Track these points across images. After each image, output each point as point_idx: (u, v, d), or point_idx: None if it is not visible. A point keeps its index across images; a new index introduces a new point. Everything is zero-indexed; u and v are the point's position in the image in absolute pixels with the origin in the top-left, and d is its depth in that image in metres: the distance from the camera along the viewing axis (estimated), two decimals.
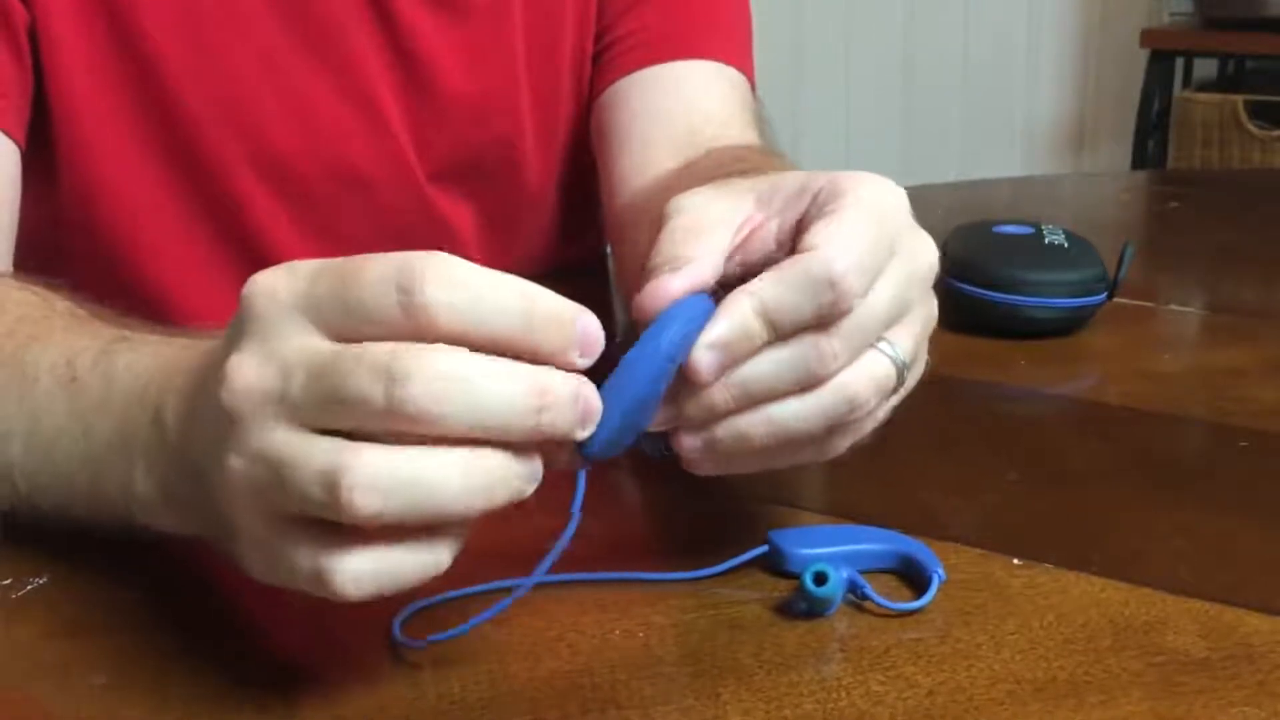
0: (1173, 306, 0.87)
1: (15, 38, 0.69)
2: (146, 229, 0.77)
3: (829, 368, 0.44)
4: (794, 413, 0.44)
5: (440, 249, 0.38)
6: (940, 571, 0.48)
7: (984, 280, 0.77)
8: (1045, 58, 3.00)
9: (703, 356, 0.43)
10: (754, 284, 0.43)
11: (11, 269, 0.68)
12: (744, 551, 0.49)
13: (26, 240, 0.71)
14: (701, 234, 0.46)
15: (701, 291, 0.44)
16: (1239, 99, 2.49)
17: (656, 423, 0.44)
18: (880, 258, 0.44)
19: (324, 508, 0.37)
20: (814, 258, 0.43)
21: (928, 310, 0.48)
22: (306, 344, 0.38)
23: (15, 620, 0.48)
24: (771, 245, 0.47)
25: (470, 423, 0.37)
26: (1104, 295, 0.78)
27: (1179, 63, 2.69)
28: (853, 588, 0.48)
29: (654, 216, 0.58)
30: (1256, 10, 2.49)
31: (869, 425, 0.47)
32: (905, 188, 0.47)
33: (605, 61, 0.85)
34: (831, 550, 0.49)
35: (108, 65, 0.72)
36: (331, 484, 0.37)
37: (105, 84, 0.73)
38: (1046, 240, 0.80)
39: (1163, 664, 0.45)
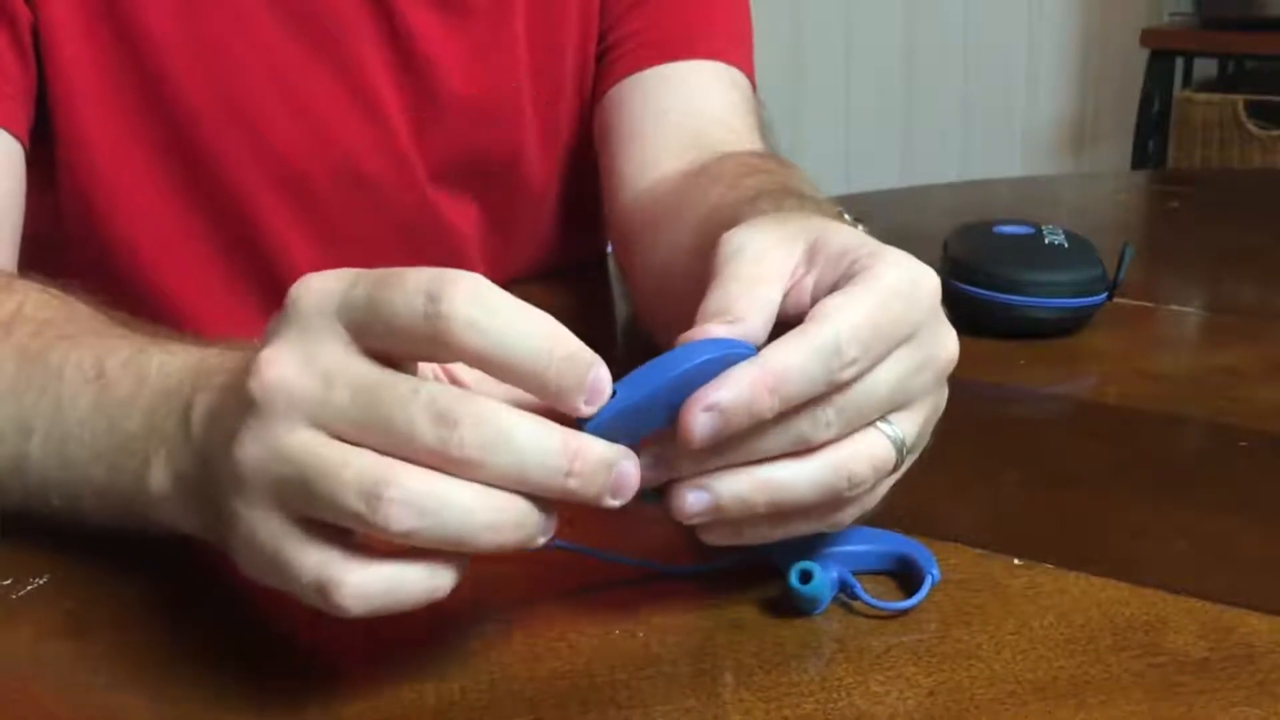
0: (1173, 306, 0.87)
1: (18, 37, 0.69)
2: (148, 229, 0.77)
3: (819, 434, 0.43)
4: (789, 476, 0.43)
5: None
6: (935, 572, 0.48)
7: (984, 280, 0.77)
8: (1045, 58, 3.00)
9: (699, 419, 0.41)
10: (765, 353, 0.42)
11: (16, 270, 0.68)
12: (744, 551, 0.49)
13: (27, 240, 0.71)
14: (757, 286, 0.45)
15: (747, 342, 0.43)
16: (1239, 99, 2.49)
17: (650, 477, 0.42)
18: (887, 339, 0.43)
19: (355, 517, 0.38)
20: (817, 330, 0.42)
21: (937, 399, 0.47)
22: (349, 358, 0.39)
23: (16, 620, 0.48)
24: (806, 302, 0.46)
25: (507, 474, 0.38)
26: (1104, 295, 0.78)
27: (1179, 63, 2.69)
28: (843, 587, 0.48)
29: (691, 230, 0.57)
30: (1256, 10, 2.49)
31: (871, 501, 0.46)
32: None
33: (608, 62, 0.85)
34: (829, 550, 0.49)
35: (110, 65, 0.72)
36: (372, 495, 0.37)
37: (107, 84, 0.73)
38: (1046, 240, 0.80)
39: (1163, 664, 0.45)
